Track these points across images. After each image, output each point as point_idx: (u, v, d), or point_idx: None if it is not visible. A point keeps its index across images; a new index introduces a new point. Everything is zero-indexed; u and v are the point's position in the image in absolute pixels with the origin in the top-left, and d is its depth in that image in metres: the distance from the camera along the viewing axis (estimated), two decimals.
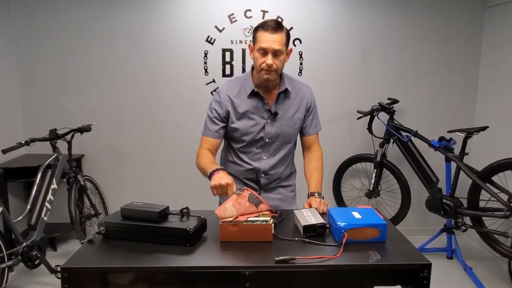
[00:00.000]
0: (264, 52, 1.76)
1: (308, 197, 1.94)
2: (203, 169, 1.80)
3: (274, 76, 1.81)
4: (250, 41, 1.90)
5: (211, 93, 3.67)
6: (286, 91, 1.92)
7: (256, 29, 1.80)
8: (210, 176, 1.71)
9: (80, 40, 3.59)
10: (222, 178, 1.64)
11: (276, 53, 1.76)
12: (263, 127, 1.90)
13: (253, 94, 1.89)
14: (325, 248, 1.45)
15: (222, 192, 1.64)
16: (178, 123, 3.72)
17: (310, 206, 1.83)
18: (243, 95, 1.90)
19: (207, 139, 1.94)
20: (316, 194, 1.92)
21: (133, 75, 3.66)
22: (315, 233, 1.54)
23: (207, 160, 1.85)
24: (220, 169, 1.72)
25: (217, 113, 1.91)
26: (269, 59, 1.75)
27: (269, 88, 1.91)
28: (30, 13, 3.54)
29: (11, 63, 3.56)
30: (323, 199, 1.91)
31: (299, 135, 2.07)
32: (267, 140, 1.92)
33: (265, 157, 1.95)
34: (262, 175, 1.97)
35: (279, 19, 3.56)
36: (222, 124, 1.93)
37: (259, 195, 1.82)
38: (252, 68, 1.91)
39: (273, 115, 1.89)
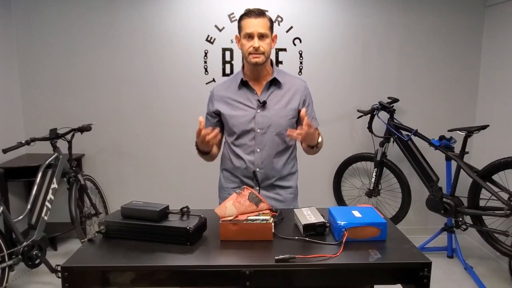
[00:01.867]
0: (250, 36, 1.84)
1: None
2: (197, 145, 1.93)
3: (263, 59, 1.87)
4: (236, 34, 1.94)
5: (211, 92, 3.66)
6: (276, 82, 1.95)
7: (240, 19, 1.89)
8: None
9: (80, 40, 3.59)
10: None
11: (262, 36, 1.84)
12: (254, 117, 1.92)
13: (242, 85, 1.96)
14: (325, 247, 1.45)
15: (199, 134, 1.74)
16: (178, 122, 3.72)
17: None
18: (233, 87, 1.98)
19: None
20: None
21: (133, 75, 3.66)
22: (315, 232, 1.53)
23: None
24: None
25: (209, 109, 2.03)
26: (255, 42, 1.83)
27: (259, 79, 1.95)
28: (31, 12, 3.54)
29: (12, 63, 3.56)
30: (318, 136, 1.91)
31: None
32: (258, 130, 1.92)
33: (258, 150, 1.94)
34: (257, 169, 1.96)
35: (279, 18, 3.57)
36: (213, 120, 2.02)
37: (258, 193, 1.82)
38: (243, 66, 1.99)
39: (262, 104, 1.92)
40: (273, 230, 1.51)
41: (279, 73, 1.98)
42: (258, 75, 1.95)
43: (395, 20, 3.64)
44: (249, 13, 1.85)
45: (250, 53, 1.85)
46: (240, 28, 1.89)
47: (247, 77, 1.96)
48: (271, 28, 1.89)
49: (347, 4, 3.60)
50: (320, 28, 3.63)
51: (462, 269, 3.22)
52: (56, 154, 3.07)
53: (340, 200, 3.80)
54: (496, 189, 2.88)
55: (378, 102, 3.48)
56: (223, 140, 2.09)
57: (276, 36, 1.94)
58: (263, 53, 1.85)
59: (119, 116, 3.72)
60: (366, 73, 3.72)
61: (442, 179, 3.29)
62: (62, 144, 3.13)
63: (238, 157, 1.98)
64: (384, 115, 3.49)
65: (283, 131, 1.94)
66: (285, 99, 1.95)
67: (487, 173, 2.95)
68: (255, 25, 1.82)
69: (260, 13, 1.85)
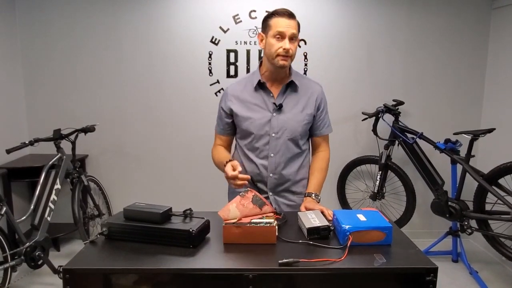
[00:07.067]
0: (282, 36, 1.76)
1: (305, 196, 1.90)
2: (219, 163, 1.90)
3: (289, 63, 1.83)
4: (258, 30, 1.89)
5: (215, 94, 3.66)
6: (293, 85, 1.89)
7: (269, 17, 1.81)
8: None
9: (84, 41, 3.60)
10: (227, 170, 1.73)
11: (292, 38, 1.78)
12: (269, 121, 1.87)
13: (259, 87, 1.89)
14: (330, 251, 1.43)
15: (233, 183, 1.72)
16: (182, 124, 3.72)
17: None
18: (249, 88, 1.90)
19: (217, 135, 2.03)
20: (313, 195, 1.88)
21: (138, 76, 3.66)
22: (319, 235, 1.52)
23: (220, 155, 1.93)
24: (229, 161, 1.78)
25: (223, 110, 1.95)
26: (286, 44, 1.75)
27: (276, 81, 1.89)
28: (35, 13, 3.55)
29: (15, 63, 3.57)
30: (320, 201, 1.88)
31: (309, 134, 2.01)
32: (273, 135, 1.87)
33: (272, 155, 1.89)
34: (271, 175, 1.91)
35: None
36: (228, 120, 1.95)
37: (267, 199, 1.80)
38: (260, 65, 1.92)
39: (278, 107, 1.86)
40: (276, 233, 1.49)
41: (297, 76, 1.92)
42: (277, 77, 1.88)
43: (401, 22, 3.62)
44: (281, 13, 1.78)
45: (278, 55, 1.77)
46: (268, 26, 1.80)
47: (265, 78, 1.89)
48: (299, 31, 1.85)
49: (352, 6, 3.58)
50: (325, 30, 3.61)
51: (467, 274, 3.19)
52: (59, 155, 3.07)
53: (344, 202, 3.78)
54: (502, 193, 2.85)
55: (383, 105, 3.46)
56: (234, 143, 2.05)
57: (299, 40, 1.89)
58: (290, 56, 1.79)
59: (122, 117, 3.72)
60: (371, 76, 3.70)
61: (447, 183, 3.26)
62: (65, 145, 3.13)
63: (251, 161, 1.93)
64: (389, 118, 3.47)
65: (297, 136, 1.91)
66: (301, 104, 1.90)
67: (493, 177, 2.92)
68: (288, 25, 1.76)
69: (293, 14, 1.80)
